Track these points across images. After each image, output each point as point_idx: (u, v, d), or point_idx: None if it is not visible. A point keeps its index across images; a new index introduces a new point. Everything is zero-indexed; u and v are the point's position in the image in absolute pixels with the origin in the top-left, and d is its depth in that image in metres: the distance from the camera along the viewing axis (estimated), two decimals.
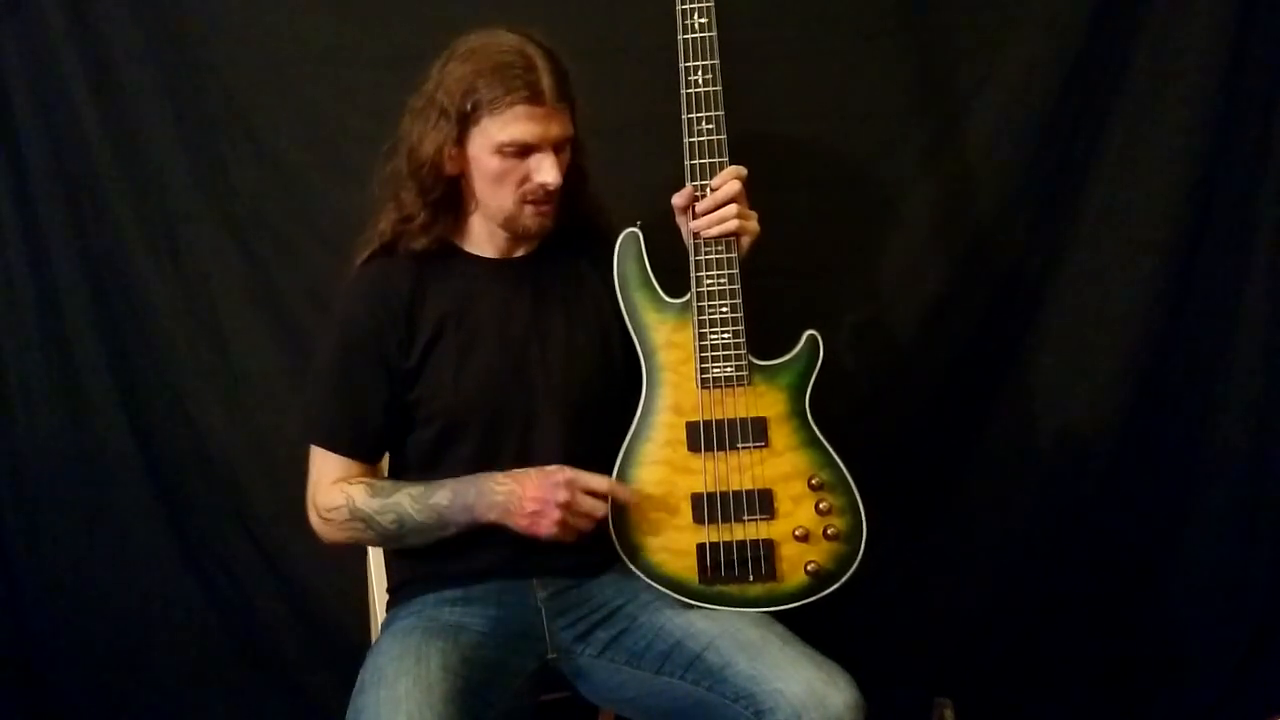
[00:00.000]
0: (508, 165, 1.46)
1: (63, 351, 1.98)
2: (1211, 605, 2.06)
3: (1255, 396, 2.00)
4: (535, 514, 1.43)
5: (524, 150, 1.46)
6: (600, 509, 1.45)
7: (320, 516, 1.51)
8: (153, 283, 1.98)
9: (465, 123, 1.46)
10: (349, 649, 1.89)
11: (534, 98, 1.43)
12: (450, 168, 1.50)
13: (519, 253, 1.59)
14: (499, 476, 1.47)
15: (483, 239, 1.57)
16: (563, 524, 1.43)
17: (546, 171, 1.46)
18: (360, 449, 1.53)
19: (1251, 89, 1.94)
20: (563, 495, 1.42)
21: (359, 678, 1.41)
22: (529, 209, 1.50)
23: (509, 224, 1.52)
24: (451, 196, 1.53)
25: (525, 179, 1.47)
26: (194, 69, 1.93)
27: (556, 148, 1.47)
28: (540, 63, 1.45)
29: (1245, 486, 2.02)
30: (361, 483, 1.50)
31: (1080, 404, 2.03)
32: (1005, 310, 2.03)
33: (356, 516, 1.48)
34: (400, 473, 1.57)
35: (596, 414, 1.55)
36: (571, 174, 1.56)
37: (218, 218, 1.97)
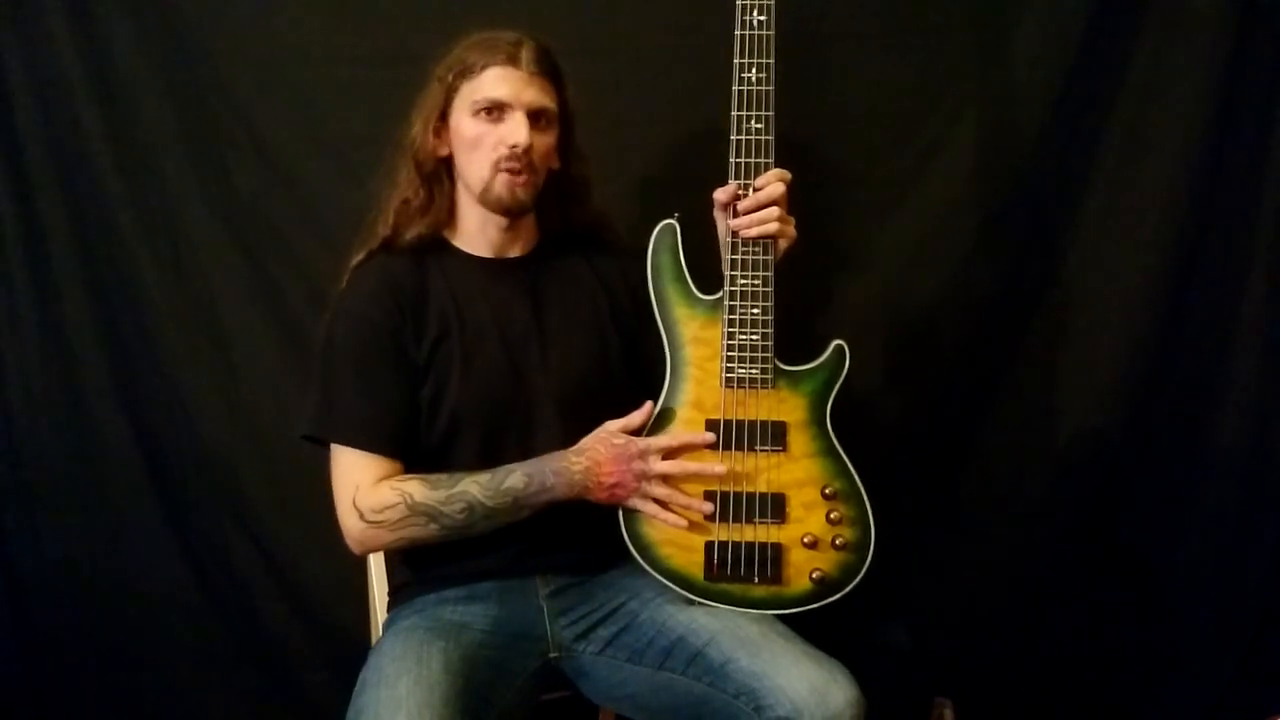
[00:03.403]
0: (482, 129, 1.49)
1: (63, 351, 1.98)
2: (1211, 604, 2.05)
3: (1255, 396, 2.00)
4: (615, 486, 1.46)
5: (497, 111, 1.48)
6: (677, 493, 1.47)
7: (365, 521, 1.46)
8: (153, 282, 1.98)
9: (449, 94, 1.51)
10: (349, 649, 1.89)
11: (510, 60, 1.48)
12: (439, 147, 1.53)
13: (514, 253, 1.60)
14: (570, 455, 1.47)
15: (475, 234, 1.58)
16: (644, 496, 1.46)
17: (515, 131, 1.48)
18: (398, 446, 1.50)
19: (1251, 89, 1.94)
20: (637, 466, 1.45)
21: (360, 677, 1.40)
22: (502, 177, 1.50)
23: (485, 195, 1.53)
24: (442, 178, 1.55)
25: (499, 143, 1.49)
26: (194, 69, 1.93)
27: (533, 116, 1.49)
28: (526, 40, 1.50)
29: (1245, 485, 2.02)
30: (414, 478, 1.47)
31: (1080, 404, 2.03)
32: (1005, 310, 2.03)
33: (418, 511, 1.45)
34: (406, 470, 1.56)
35: (595, 412, 1.55)
36: (569, 182, 1.58)
37: (218, 218, 1.97)
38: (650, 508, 1.47)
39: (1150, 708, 2.08)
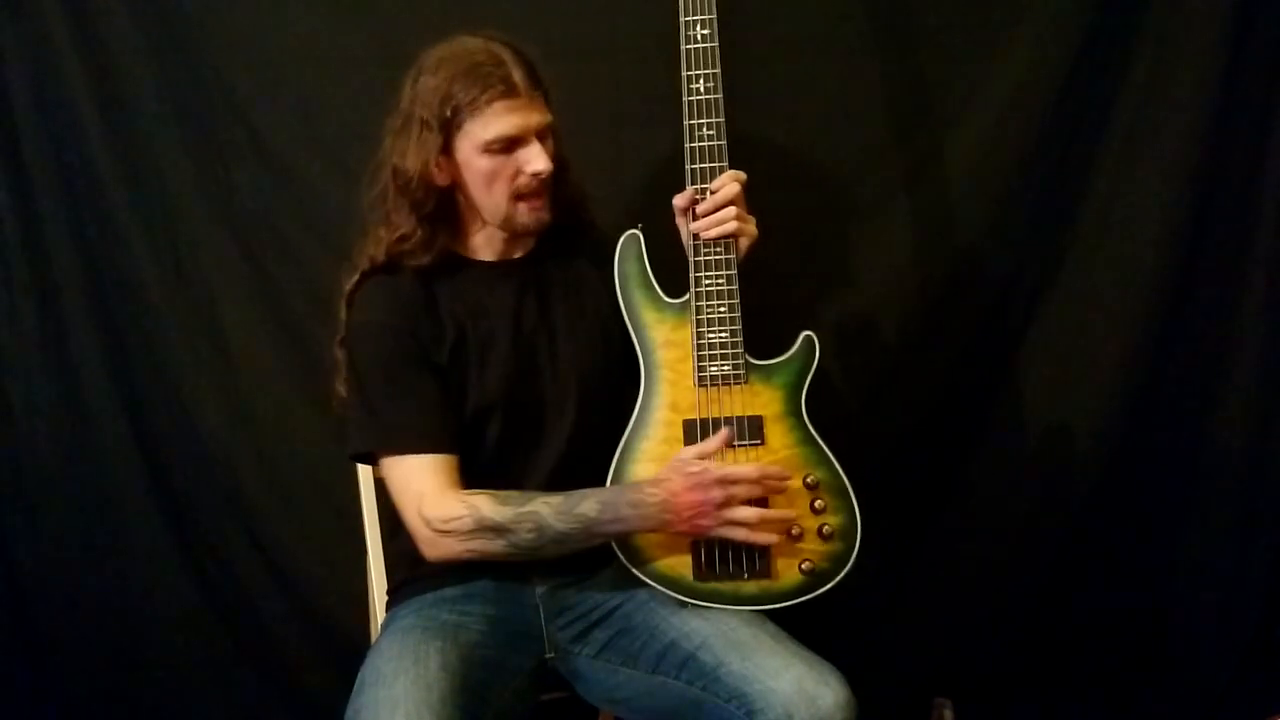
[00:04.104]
0: (497, 163, 1.48)
1: (63, 352, 1.98)
2: (1211, 605, 2.05)
3: (1255, 396, 2.00)
4: (694, 517, 1.41)
5: (510, 144, 1.47)
6: (760, 516, 1.43)
7: (435, 530, 1.43)
8: (152, 283, 1.98)
9: (449, 130, 1.47)
10: (349, 649, 1.89)
11: (510, 91, 1.45)
12: (440, 179, 1.50)
13: (517, 254, 1.60)
14: (646, 487, 1.44)
15: (481, 244, 1.58)
16: (727, 523, 1.42)
17: (536, 160, 1.47)
18: (450, 441, 1.49)
19: (1251, 89, 1.93)
20: (717, 494, 1.41)
21: (358, 677, 1.41)
22: (523, 205, 1.51)
23: (507, 223, 1.53)
24: (445, 209, 1.53)
25: (517, 173, 1.48)
26: (194, 69, 1.93)
27: (540, 136, 1.49)
28: (507, 57, 1.47)
29: (1245, 486, 2.02)
30: (483, 492, 1.45)
31: (1080, 404, 2.03)
32: (1005, 309, 2.03)
33: (485, 526, 1.42)
34: None
35: (601, 401, 1.56)
36: (555, 163, 1.57)
37: (218, 218, 1.97)
38: (740, 533, 1.43)
39: (1150, 707, 2.08)
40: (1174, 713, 2.07)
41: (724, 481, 1.41)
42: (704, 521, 1.42)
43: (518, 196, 1.50)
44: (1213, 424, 2.02)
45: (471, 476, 1.51)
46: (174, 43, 1.93)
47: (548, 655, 1.53)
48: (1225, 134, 1.94)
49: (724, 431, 1.46)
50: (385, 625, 1.55)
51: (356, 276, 1.54)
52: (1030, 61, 1.95)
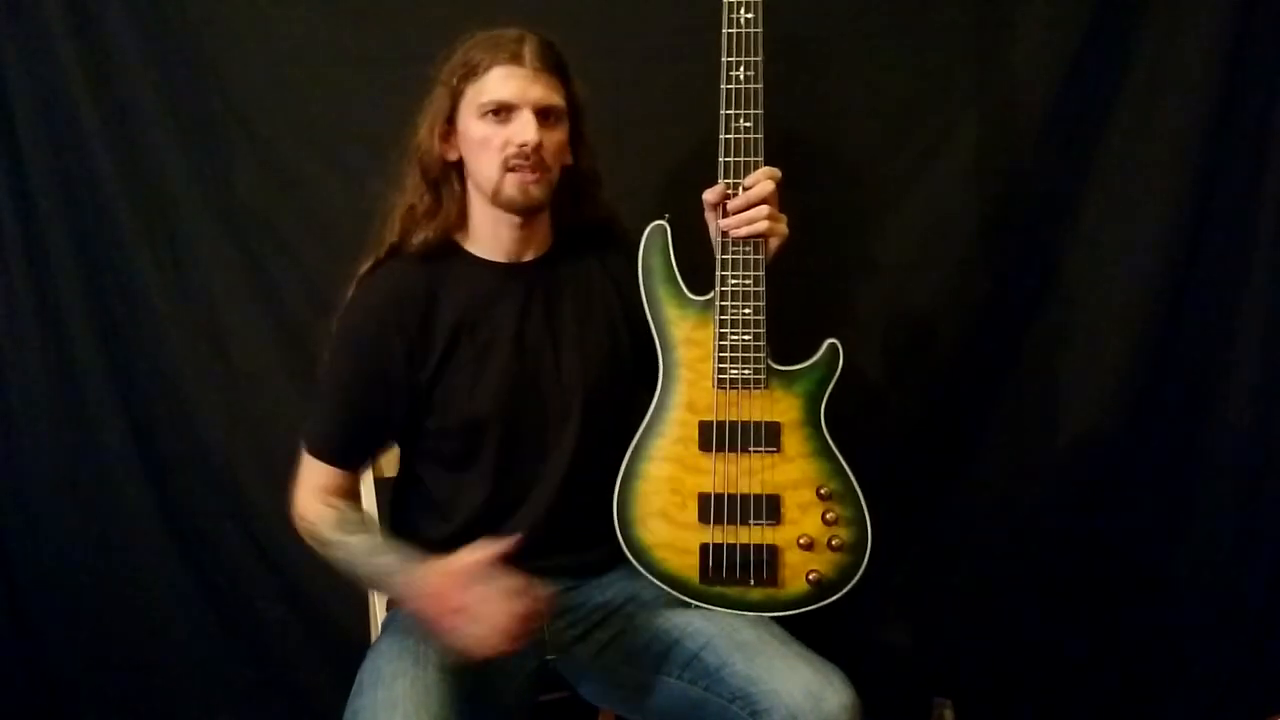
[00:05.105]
0: (490, 131, 1.46)
1: (63, 353, 1.98)
2: (1212, 604, 2.05)
3: (1255, 395, 2.00)
4: (432, 621, 1.36)
5: (504, 111, 1.46)
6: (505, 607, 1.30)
7: (298, 516, 1.53)
8: (153, 282, 1.98)
9: (455, 99, 1.48)
10: (349, 649, 1.88)
11: (513, 59, 1.45)
12: (449, 152, 1.51)
13: (528, 256, 1.57)
14: (424, 573, 1.37)
15: (488, 238, 1.55)
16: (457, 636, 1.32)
17: (523, 129, 1.45)
18: (344, 459, 1.54)
19: (1251, 89, 1.93)
20: (456, 603, 1.31)
21: (357, 678, 1.41)
22: (510, 177, 1.47)
23: (496, 196, 1.50)
24: (452, 182, 1.53)
25: (507, 143, 1.46)
26: (194, 69, 1.93)
27: (540, 114, 1.46)
28: (528, 36, 1.47)
29: (1245, 487, 2.02)
30: (340, 509, 1.51)
31: (1080, 404, 2.03)
32: (1005, 310, 2.02)
33: (315, 537, 1.50)
34: (431, 478, 1.56)
35: (608, 413, 1.55)
36: (578, 176, 1.56)
37: (218, 218, 1.97)
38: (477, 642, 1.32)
39: (1150, 707, 2.08)
40: (1174, 713, 2.07)
41: (466, 593, 1.31)
42: (437, 627, 1.34)
43: (507, 168, 1.47)
44: (1213, 422, 2.02)
45: (475, 490, 1.51)
46: (174, 43, 1.93)
47: (549, 656, 1.53)
48: (1226, 133, 1.94)
49: (506, 544, 1.33)
50: (385, 625, 1.56)
51: (370, 262, 1.55)
52: (1030, 61, 1.94)
